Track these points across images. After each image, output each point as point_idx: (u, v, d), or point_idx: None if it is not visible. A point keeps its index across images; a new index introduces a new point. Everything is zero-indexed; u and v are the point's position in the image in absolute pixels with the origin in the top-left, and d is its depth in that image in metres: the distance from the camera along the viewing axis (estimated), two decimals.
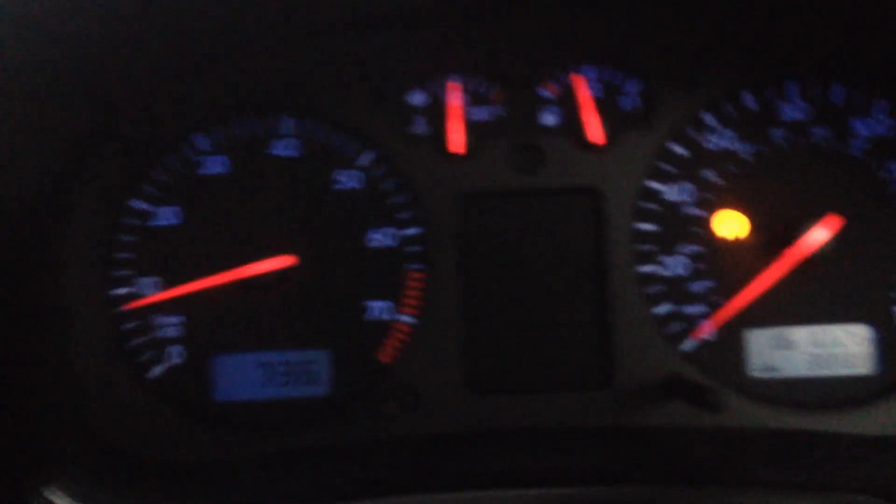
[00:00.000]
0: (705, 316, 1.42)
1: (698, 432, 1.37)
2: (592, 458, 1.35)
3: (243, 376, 1.44)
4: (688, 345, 1.42)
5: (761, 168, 1.43)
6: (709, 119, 1.44)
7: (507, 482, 1.21)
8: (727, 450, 1.33)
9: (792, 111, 1.44)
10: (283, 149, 1.46)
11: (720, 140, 1.44)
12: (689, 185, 1.44)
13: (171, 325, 1.44)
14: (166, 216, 1.45)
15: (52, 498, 1.19)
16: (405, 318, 1.44)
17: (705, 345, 1.42)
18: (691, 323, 1.42)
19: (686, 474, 1.22)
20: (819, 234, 1.37)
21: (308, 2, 1.32)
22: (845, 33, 1.41)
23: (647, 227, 1.44)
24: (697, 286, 1.43)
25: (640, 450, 1.34)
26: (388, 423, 1.41)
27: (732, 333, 1.42)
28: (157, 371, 1.44)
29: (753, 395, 1.40)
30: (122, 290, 1.44)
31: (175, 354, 1.44)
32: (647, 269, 1.43)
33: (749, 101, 1.44)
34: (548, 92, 1.46)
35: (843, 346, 1.41)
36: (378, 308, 1.44)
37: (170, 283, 1.44)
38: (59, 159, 1.34)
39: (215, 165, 1.46)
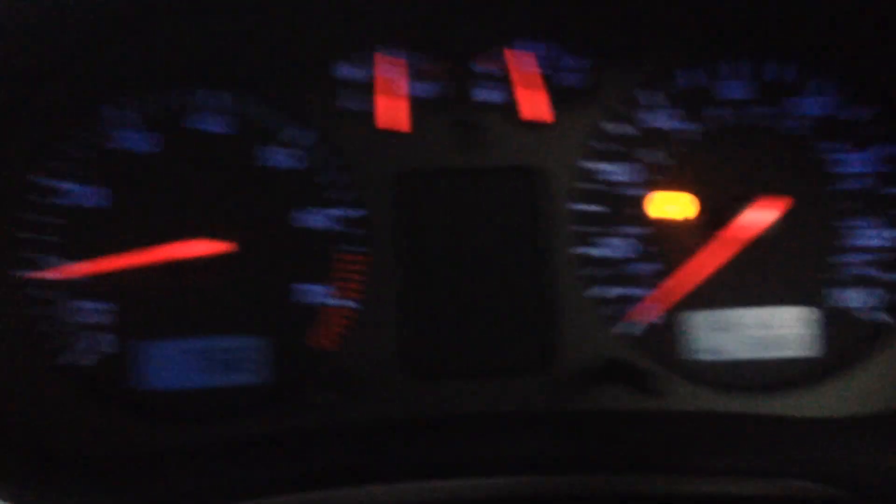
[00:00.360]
0: (644, 298, 1.38)
1: (640, 416, 1.32)
2: (533, 443, 1.30)
3: (174, 364, 1.36)
4: (629, 328, 1.38)
5: (699, 148, 1.41)
6: (646, 98, 1.41)
7: (447, 470, 1.15)
8: (670, 434, 1.29)
9: (728, 90, 1.42)
10: (207, 124, 1.39)
11: (658, 119, 1.41)
12: (628, 165, 1.41)
13: (96, 311, 1.35)
14: (76, 194, 1.36)
15: None
16: (343, 302, 1.37)
17: (648, 328, 1.38)
18: (631, 305, 1.38)
19: (628, 459, 1.17)
20: (759, 215, 1.35)
21: None
22: (779, 11, 1.40)
23: (586, 207, 1.40)
24: (639, 268, 1.39)
25: (580, 435, 1.29)
26: (326, 410, 1.34)
27: (674, 316, 1.38)
28: (79, 359, 1.34)
29: (696, 378, 1.37)
30: (28, 272, 1.34)
31: (102, 342, 1.35)
32: (587, 250, 1.39)
33: (684, 80, 1.42)
34: (487, 67, 1.42)
35: (787, 328, 1.38)
36: (311, 292, 1.37)
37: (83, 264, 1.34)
38: None
39: (130, 140, 1.37)
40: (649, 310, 1.38)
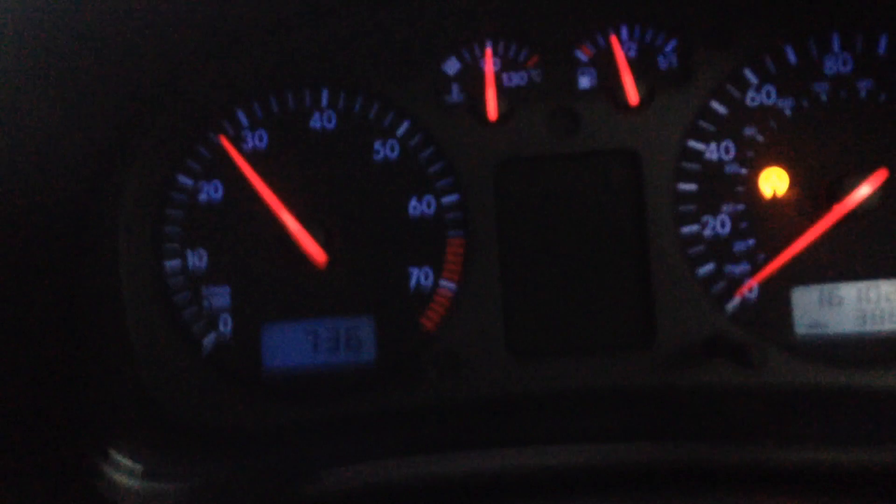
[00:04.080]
0: (749, 275, 1.40)
1: (743, 391, 1.36)
2: (636, 417, 1.36)
3: (291, 344, 1.47)
4: (732, 304, 1.41)
5: (803, 123, 1.41)
6: (749, 75, 1.42)
7: (551, 441, 1.22)
8: (772, 407, 1.33)
9: (835, 64, 1.40)
10: (321, 121, 1.48)
11: (761, 96, 1.41)
12: (729, 143, 1.42)
13: (219, 295, 1.48)
14: (210, 191, 1.48)
15: (116, 458, 1.24)
16: (447, 285, 1.45)
17: (750, 304, 1.41)
18: (735, 282, 1.41)
19: (730, 432, 1.22)
20: (864, 189, 1.35)
21: None
22: None
23: (687, 187, 1.42)
24: (741, 245, 1.41)
25: (683, 408, 1.34)
26: (432, 388, 1.43)
27: (778, 292, 1.40)
28: (208, 340, 1.48)
29: (799, 352, 1.39)
30: (172, 263, 1.48)
31: (224, 323, 1.48)
32: (689, 229, 1.42)
33: (790, 55, 1.41)
34: (583, 54, 1.45)
35: (890, 302, 1.38)
36: (420, 275, 1.46)
37: (216, 255, 1.47)
38: (105, 142, 1.38)
39: (255, 140, 1.48)
40: (752, 286, 1.40)
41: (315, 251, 1.44)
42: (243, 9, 1.36)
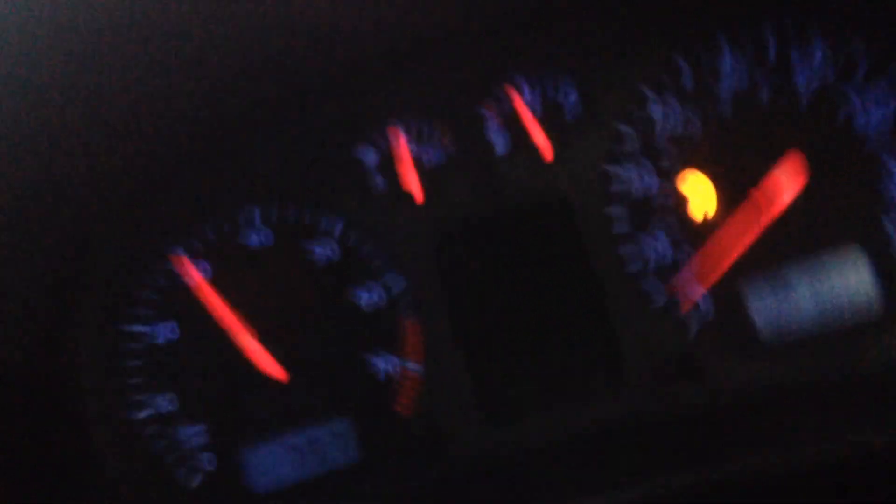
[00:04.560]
0: (695, 284, 1.41)
1: (712, 407, 1.36)
2: (627, 457, 1.35)
3: (276, 464, 1.47)
4: (688, 318, 1.42)
5: (715, 128, 1.44)
6: (650, 93, 1.46)
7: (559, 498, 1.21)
8: (743, 416, 1.32)
9: (729, 65, 1.44)
10: (258, 239, 1.51)
11: (666, 110, 1.45)
12: (651, 160, 1.45)
13: (196, 434, 1.48)
14: (167, 332, 1.50)
15: None
16: (413, 368, 1.46)
17: (707, 314, 1.42)
18: (684, 294, 1.42)
19: (714, 455, 1.21)
20: (788, 178, 1.38)
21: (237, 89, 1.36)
22: None
23: (618, 211, 1.45)
24: (681, 256, 1.43)
25: (662, 439, 1.33)
26: (421, 473, 1.43)
27: (730, 291, 1.41)
28: (195, 481, 1.47)
29: (764, 356, 1.39)
30: (143, 413, 1.49)
31: (209, 461, 1.48)
32: (628, 250, 1.44)
33: (684, 64, 1.46)
34: (492, 112, 1.49)
35: (845, 276, 1.39)
36: (384, 364, 1.47)
37: (185, 394, 1.48)
38: (49, 298, 1.41)
39: (200, 272, 1.51)
40: (689, 285, 1.42)
41: (275, 369, 1.45)
42: (162, 150, 1.41)
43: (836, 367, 1.36)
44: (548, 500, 1.23)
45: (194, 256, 1.51)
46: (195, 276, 1.49)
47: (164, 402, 1.48)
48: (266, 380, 1.46)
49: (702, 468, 1.16)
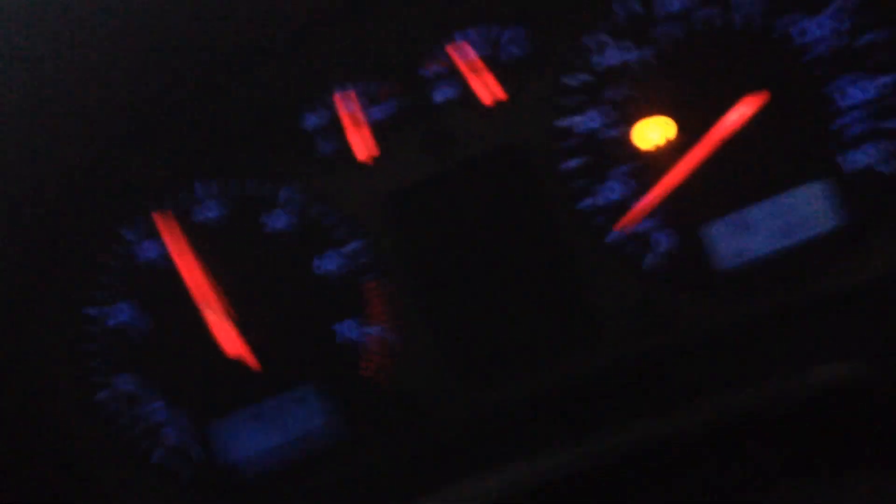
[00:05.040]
0: (658, 227, 1.40)
1: (684, 347, 1.34)
2: (603, 407, 1.34)
3: (242, 434, 1.45)
4: (648, 261, 1.40)
5: (663, 67, 1.41)
6: (589, 41, 1.43)
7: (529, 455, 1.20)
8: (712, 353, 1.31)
9: (676, 4, 1.42)
10: (207, 212, 1.48)
11: (612, 54, 1.42)
12: (599, 109, 1.43)
13: (157, 410, 1.47)
14: (121, 313, 1.48)
15: None
16: (377, 331, 1.44)
17: (670, 255, 1.40)
18: (645, 239, 1.40)
19: (686, 396, 1.20)
20: (739, 111, 1.36)
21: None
22: None
23: (573, 163, 1.43)
24: (638, 198, 1.41)
25: (638, 387, 1.32)
26: (393, 437, 1.41)
27: (693, 233, 1.40)
28: (156, 455, 1.46)
29: (728, 288, 1.38)
30: (105, 393, 1.47)
31: (171, 434, 1.46)
32: (588, 202, 1.42)
33: (631, 6, 1.43)
34: (434, 69, 1.46)
35: (804, 208, 1.38)
36: (346, 328, 1.45)
37: (145, 374, 1.46)
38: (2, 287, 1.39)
39: (150, 251, 1.48)
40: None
41: (237, 345, 1.43)
42: (106, 129, 1.38)
43: (797, 297, 1.35)
44: (525, 457, 1.20)
45: (147, 235, 1.48)
46: (149, 254, 1.47)
47: (125, 382, 1.47)
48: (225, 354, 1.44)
49: (676, 410, 1.16)
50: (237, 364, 1.44)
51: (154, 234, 1.48)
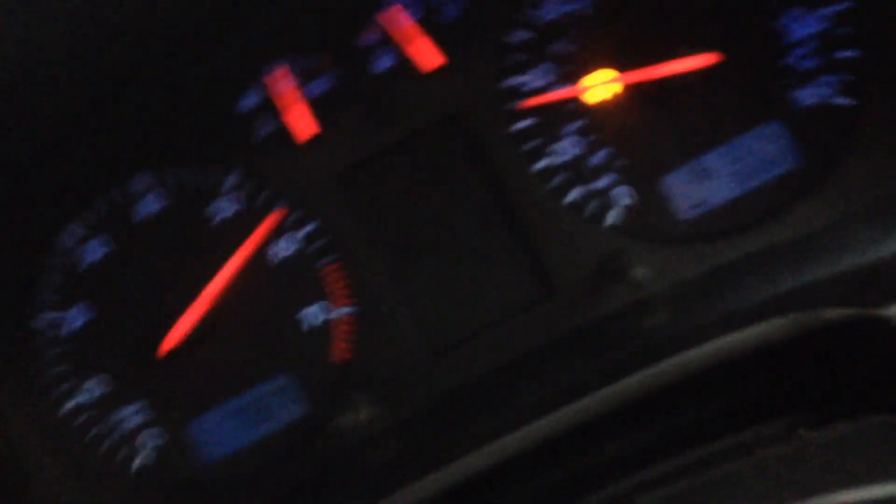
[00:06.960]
0: (617, 184, 1.36)
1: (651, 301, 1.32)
2: (574, 368, 1.32)
3: (221, 431, 1.43)
4: (610, 218, 1.37)
5: (607, 17, 1.36)
6: None
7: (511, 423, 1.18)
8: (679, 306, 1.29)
9: None
10: (153, 206, 1.44)
11: (548, 10, 1.37)
12: (545, 66, 1.37)
13: (133, 414, 1.44)
14: (78, 315, 1.44)
15: None
16: (341, 312, 1.41)
17: (628, 212, 1.37)
18: (605, 196, 1.37)
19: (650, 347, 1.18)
20: (688, 60, 1.31)
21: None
22: None
23: (523, 124, 1.38)
24: (596, 159, 1.37)
25: (601, 346, 1.30)
26: (370, 415, 1.40)
27: (648, 187, 1.36)
28: (138, 462, 1.44)
29: (691, 239, 1.35)
30: (71, 403, 1.44)
31: (150, 438, 1.44)
32: (541, 164, 1.38)
33: None
34: (368, 39, 1.40)
35: (760, 151, 1.34)
36: (312, 314, 1.42)
37: (115, 375, 1.43)
38: None
39: (94, 251, 1.44)
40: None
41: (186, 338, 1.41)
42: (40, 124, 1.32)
43: (760, 241, 1.32)
44: (498, 425, 1.19)
45: (91, 231, 1.44)
46: (95, 255, 1.43)
47: (94, 386, 1.44)
48: (197, 349, 1.41)
49: (646, 366, 1.14)
50: (206, 360, 1.42)
51: (97, 234, 1.44)
